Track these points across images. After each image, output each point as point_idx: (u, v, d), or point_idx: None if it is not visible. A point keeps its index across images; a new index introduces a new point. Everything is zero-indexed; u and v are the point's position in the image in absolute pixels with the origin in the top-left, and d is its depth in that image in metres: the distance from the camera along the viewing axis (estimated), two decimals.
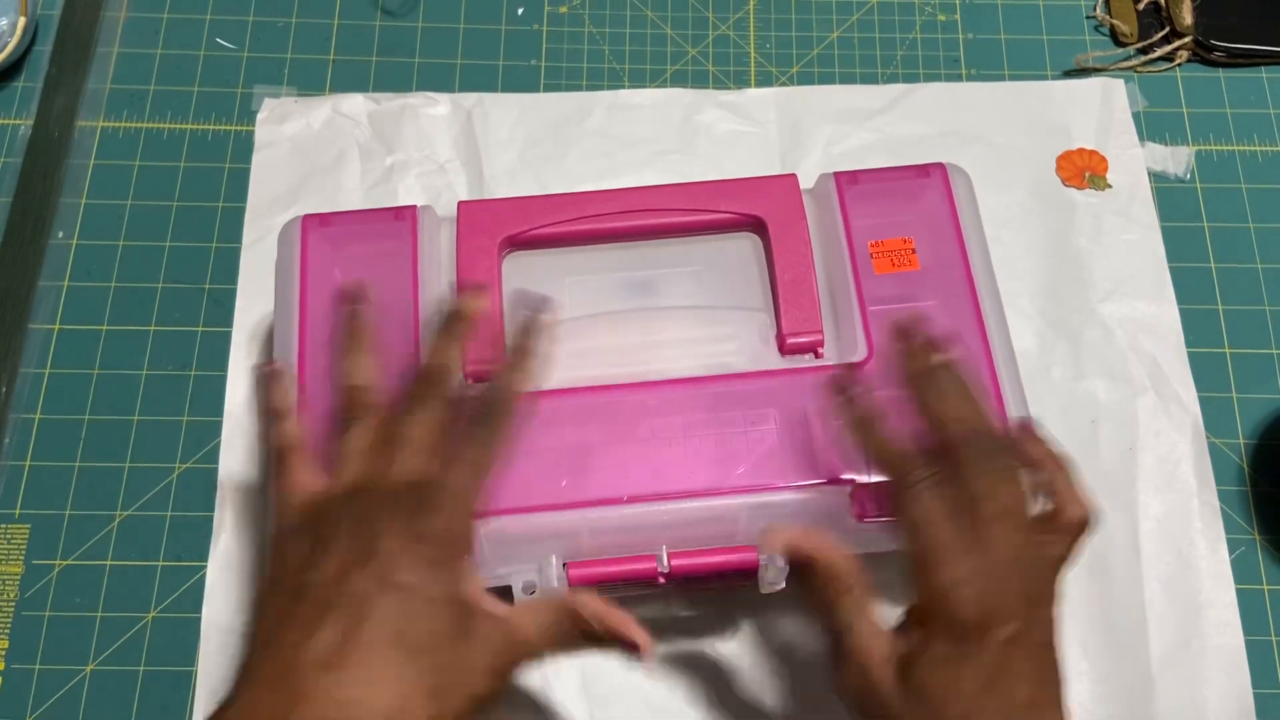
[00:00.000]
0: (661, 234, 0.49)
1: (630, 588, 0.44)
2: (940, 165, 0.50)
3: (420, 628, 0.33)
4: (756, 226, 0.49)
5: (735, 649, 0.50)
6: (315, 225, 0.49)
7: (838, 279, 0.48)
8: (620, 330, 0.47)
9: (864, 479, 0.43)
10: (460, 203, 0.49)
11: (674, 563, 0.42)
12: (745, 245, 0.50)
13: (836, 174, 0.49)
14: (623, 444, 0.44)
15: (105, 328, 0.57)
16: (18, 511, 0.53)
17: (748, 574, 0.43)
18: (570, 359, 0.46)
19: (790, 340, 0.47)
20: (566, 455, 0.44)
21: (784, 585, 0.43)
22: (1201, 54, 0.64)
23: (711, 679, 0.50)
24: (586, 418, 0.44)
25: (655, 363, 0.46)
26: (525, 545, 0.43)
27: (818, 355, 0.47)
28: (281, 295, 0.47)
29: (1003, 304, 0.47)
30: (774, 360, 0.47)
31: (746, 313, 0.48)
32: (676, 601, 0.51)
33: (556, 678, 0.50)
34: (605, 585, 0.43)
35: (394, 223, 0.49)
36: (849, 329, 0.46)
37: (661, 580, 0.43)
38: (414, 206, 0.49)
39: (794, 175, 0.50)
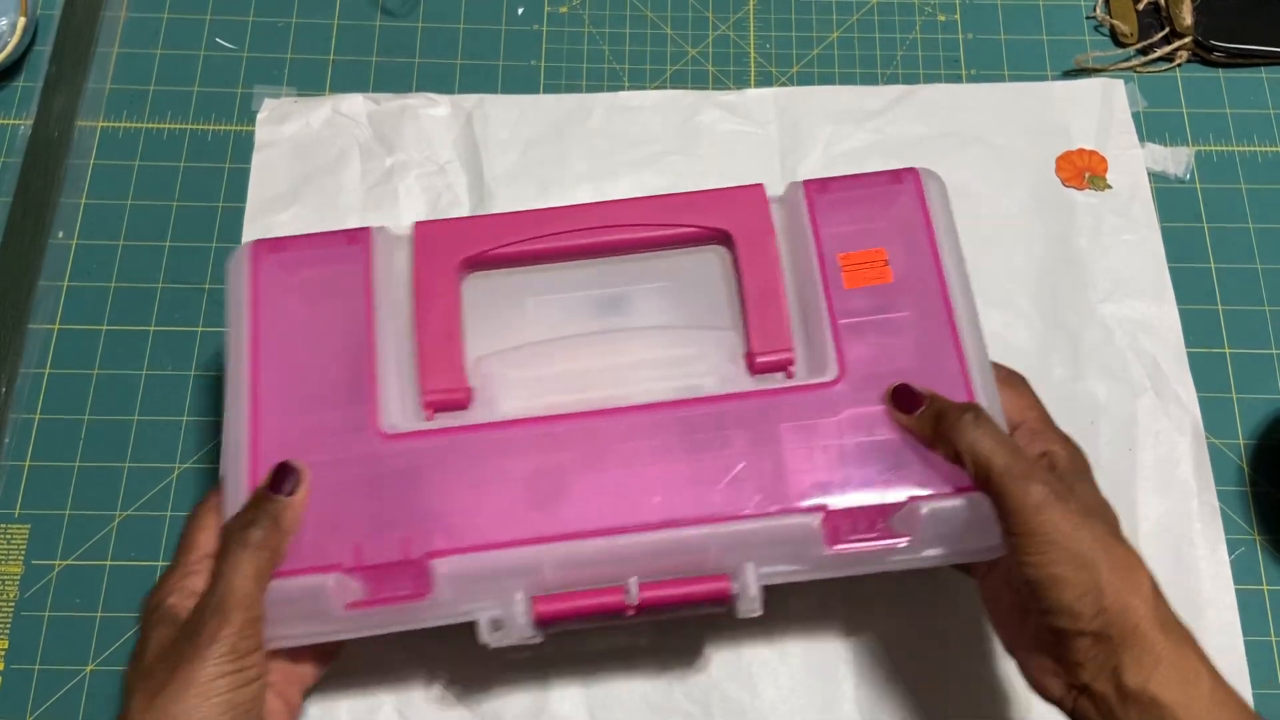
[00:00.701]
0: (626, 250, 0.48)
1: (602, 619, 0.42)
2: (913, 170, 0.48)
3: None
4: (724, 240, 0.47)
5: (736, 649, 0.50)
6: (266, 251, 0.46)
7: (808, 294, 0.46)
8: (584, 353, 0.46)
9: (836, 504, 0.41)
10: (416, 223, 0.47)
11: (643, 595, 0.41)
12: (714, 260, 0.48)
13: (806, 182, 0.48)
14: (587, 474, 0.42)
15: (105, 328, 0.57)
16: (18, 511, 0.53)
17: (721, 602, 0.42)
18: (532, 385, 0.45)
19: (759, 359, 0.45)
20: (530, 487, 0.42)
21: (761, 611, 0.41)
22: (1201, 54, 0.64)
23: (712, 680, 0.50)
24: (551, 448, 0.43)
25: (620, 386, 0.45)
26: (490, 582, 0.41)
27: (788, 375, 0.45)
28: (233, 328, 0.45)
29: (978, 314, 0.45)
30: (744, 381, 0.45)
31: (715, 331, 0.46)
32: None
33: (557, 677, 0.50)
34: (574, 619, 0.41)
35: (347, 246, 0.46)
36: (820, 347, 0.45)
37: (631, 613, 0.41)
38: (369, 229, 0.47)
39: (760, 185, 0.48)
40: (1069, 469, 0.41)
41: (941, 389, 0.43)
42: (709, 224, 0.47)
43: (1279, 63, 0.64)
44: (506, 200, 0.59)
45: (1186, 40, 0.63)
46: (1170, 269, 0.58)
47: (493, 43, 0.64)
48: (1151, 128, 0.62)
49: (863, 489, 0.42)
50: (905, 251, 0.46)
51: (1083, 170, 0.60)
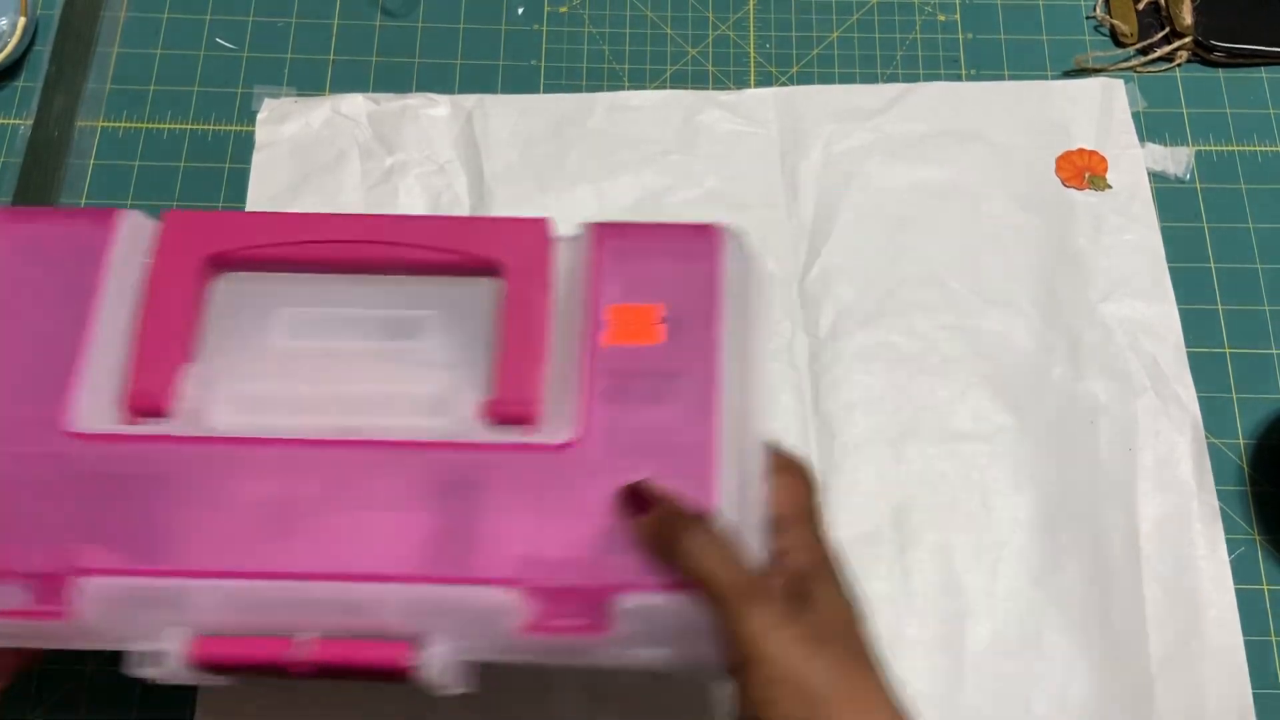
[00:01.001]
0: (392, 269, 0.43)
1: (275, 671, 0.37)
2: (713, 227, 0.43)
3: None
4: (497, 273, 0.43)
5: None
6: (3, 222, 0.43)
7: (571, 345, 0.41)
8: (324, 375, 0.41)
9: (539, 581, 0.37)
10: (167, 212, 0.43)
11: (316, 651, 0.36)
12: (489, 294, 0.43)
13: (598, 225, 0.43)
14: (284, 509, 0.38)
15: None
16: None
17: (404, 674, 0.36)
18: (255, 403, 0.40)
19: (499, 408, 0.40)
20: (219, 514, 0.38)
21: (459, 689, 0.36)
22: (1201, 54, 0.64)
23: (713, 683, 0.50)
24: (252, 474, 0.38)
25: (351, 417, 0.40)
26: (144, 611, 0.37)
27: (529, 430, 0.40)
28: None
29: (756, 390, 0.40)
30: (481, 430, 0.40)
31: (467, 371, 0.41)
32: None
33: (557, 677, 0.50)
34: (241, 668, 0.37)
35: (92, 227, 0.42)
36: (566, 405, 0.40)
37: (307, 670, 0.36)
38: (118, 211, 0.43)
39: (545, 220, 0.43)
40: (809, 570, 0.36)
41: (686, 472, 0.38)
42: (481, 253, 0.43)
43: (1279, 63, 0.64)
44: (506, 200, 0.59)
45: (1186, 40, 0.63)
46: (1170, 269, 0.58)
47: (493, 43, 0.64)
48: (1151, 128, 0.62)
49: (572, 569, 0.37)
50: (686, 313, 0.41)
51: (1083, 170, 0.60)
